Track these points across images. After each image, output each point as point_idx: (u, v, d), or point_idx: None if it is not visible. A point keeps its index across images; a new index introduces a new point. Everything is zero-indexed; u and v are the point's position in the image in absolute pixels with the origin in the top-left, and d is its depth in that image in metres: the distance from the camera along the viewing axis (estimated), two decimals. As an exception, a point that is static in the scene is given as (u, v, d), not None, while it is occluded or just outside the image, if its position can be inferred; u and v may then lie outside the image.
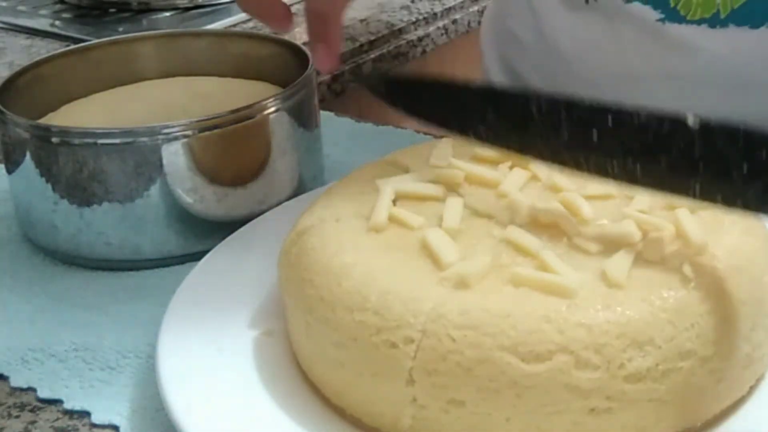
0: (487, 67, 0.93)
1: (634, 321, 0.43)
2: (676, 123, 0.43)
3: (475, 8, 1.28)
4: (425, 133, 0.81)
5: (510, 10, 0.87)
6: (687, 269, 0.45)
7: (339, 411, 0.47)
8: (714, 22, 0.73)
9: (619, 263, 0.45)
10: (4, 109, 0.62)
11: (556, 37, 0.82)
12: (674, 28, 0.74)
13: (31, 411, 0.52)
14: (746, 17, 0.72)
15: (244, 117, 0.62)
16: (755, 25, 0.72)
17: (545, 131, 0.46)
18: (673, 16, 0.74)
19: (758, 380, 0.48)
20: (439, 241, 0.47)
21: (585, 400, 0.42)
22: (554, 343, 0.42)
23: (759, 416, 0.46)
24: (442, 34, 1.23)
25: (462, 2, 1.27)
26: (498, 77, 0.91)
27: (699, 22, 0.73)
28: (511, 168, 0.53)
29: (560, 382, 0.42)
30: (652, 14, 0.74)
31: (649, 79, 0.77)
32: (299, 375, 0.49)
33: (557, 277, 0.44)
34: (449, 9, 1.24)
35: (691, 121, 0.43)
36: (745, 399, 0.47)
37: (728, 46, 0.73)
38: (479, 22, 1.28)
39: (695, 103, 0.76)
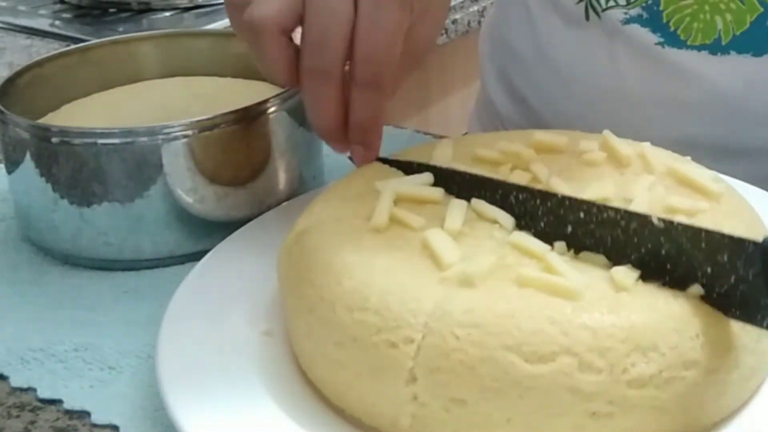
0: (485, 78, 0.92)
1: (640, 326, 0.43)
2: (644, 221, 0.45)
3: (475, 8, 1.28)
4: (425, 133, 0.81)
5: (509, 23, 0.86)
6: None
7: (339, 411, 0.47)
8: (715, 48, 0.71)
9: (627, 267, 0.45)
10: (4, 109, 0.62)
11: (555, 54, 0.80)
12: (674, 53, 0.72)
13: (31, 411, 0.51)
14: (748, 45, 0.70)
15: (244, 117, 0.62)
16: (758, 53, 0.70)
17: (524, 221, 0.49)
18: (672, 40, 0.72)
19: (758, 386, 0.47)
20: (440, 241, 0.47)
21: (587, 403, 0.42)
22: (558, 344, 0.42)
23: (759, 421, 0.46)
24: (442, 34, 1.23)
25: (462, 2, 1.27)
26: (496, 89, 0.89)
27: (699, 48, 0.71)
28: (511, 170, 0.53)
29: (563, 384, 0.42)
30: (650, 37, 0.73)
31: (646, 103, 0.75)
32: (299, 375, 0.49)
33: (563, 278, 0.44)
34: (449, 9, 1.24)
35: (656, 220, 0.45)
36: (746, 402, 0.47)
37: (729, 74, 0.71)
38: (479, 22, 1.28)
39: (692, 129, 0.74)
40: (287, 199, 0.65)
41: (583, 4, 0.76)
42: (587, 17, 0.76)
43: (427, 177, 0.53)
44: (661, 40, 0.72)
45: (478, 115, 0.95)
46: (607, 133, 0.55)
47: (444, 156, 0.55)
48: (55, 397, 0.52)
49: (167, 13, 1.17)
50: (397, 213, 0.50)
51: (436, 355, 0.43)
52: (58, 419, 0.51)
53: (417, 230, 0.49)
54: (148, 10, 1.18)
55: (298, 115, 0.65)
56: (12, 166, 0.64)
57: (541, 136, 0.56)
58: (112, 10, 1.18)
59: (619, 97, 0.77)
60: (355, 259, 0.47)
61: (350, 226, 0.50)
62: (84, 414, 0.51)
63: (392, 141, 0.78)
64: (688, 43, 0.72)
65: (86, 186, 0.61)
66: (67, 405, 0.51)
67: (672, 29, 0.72)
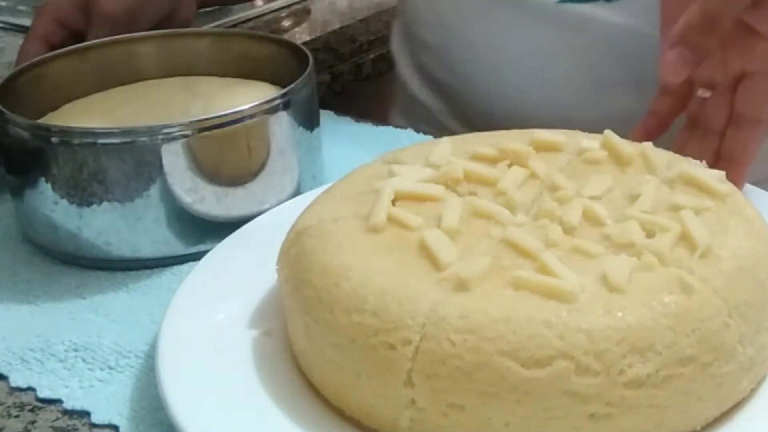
0: (400, 72, 0.96)
1: (635, 327, 0.42)
2: None
3: (475, 8, 1.28)
4: (425, 133, 0.81)
5: (416, 16, 0.90)
6: (690, 272, 0.45)
7: (338, 411, 0.47)
8: None
9: (620, 266, 0.45)
10: (4, 109, 0.62)
11: (463, 30, 0.84)
12: (572, 8, 0.77)
13: (31, 411, 0.52)
14: None
15: (244, 117, 0.62)
16: None
17: None
18: None
19: (759, 383, 0.48)
20: (438, 241, 0.47)
21: (585, 405, 0.42)
22: (554, 348, 0.42)
23: (759, 421, 0.46)
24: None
25: (462, 2, 1.26)
26: (412, 80, 0.93)
27: None
28: (509, 166, 0.53)
29: (560, 388, 0.42)
30: None
31: (552, 57, 0.80)
32: (299, 375, 0.49)
33: (558, 280, 0.44)
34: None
35: None
36: (746, 400, 0.47)
37: (625, 18, 0.76)
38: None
39: (598, 75, 0.79)
40: (287, 199, 0.65)
41: None
42: None
43: (427, 172, 0.53)
44: None
45: (402, 112, 0.97)
46: (608, 132, 0.55)
47: (443, 154, 0.55)
48: (55, 397, 0.52)
49: (167, 13, 1.17)
50: (395, 213, 0.50)
51: (433, 361, 0.43)
52: (57, 419, 0.51)
53: (415, 230, 0.49)
54: (149, 9, 1.17)
55: (298, 115, 0.65)
56: (12, 166, 0.64)
57: (541, 134, 0.56)
58: (112, 9, 1.18)
59: (526, 57, 0.81)
60: (352, 261, 0.47)
61: (349, 226, 0.50)
62: (84, 414, 0.51)
63: (392, 141, 0.79)
64: None
65: (86, 186, 0.61)
66: (67, 405, 0.52)
67: None
